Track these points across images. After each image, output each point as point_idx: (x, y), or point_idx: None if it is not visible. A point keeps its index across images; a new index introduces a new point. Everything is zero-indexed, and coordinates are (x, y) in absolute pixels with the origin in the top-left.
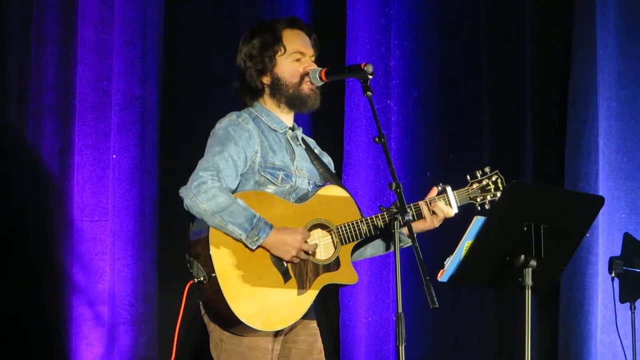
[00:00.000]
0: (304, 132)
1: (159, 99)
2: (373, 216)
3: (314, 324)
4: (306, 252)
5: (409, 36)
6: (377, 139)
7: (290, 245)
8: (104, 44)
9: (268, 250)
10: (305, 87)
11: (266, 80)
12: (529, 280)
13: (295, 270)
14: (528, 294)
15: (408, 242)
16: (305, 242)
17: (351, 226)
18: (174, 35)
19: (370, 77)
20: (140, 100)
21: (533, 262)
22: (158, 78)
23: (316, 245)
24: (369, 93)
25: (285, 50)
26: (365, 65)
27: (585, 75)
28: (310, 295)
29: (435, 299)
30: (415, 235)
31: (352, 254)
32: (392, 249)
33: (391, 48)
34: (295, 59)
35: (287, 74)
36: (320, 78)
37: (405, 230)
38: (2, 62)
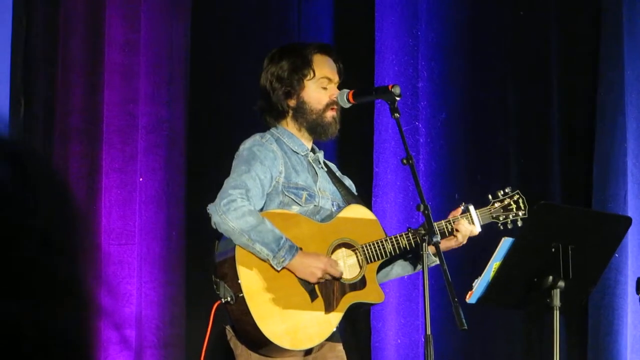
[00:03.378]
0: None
1: (186, 122)
2: (397, 235)
3: (340, 347)
4: (331, 276)
5: (437, 57)
6: (405, 161)
7: (316, 267)
8: (130, 68)
9: (293, 273)
10: (329, 115)
11: (292, 103)
12: (557, 301)
13: (322, 289)
14: (556, 315)
15: (435, 261)
16: (331, 266)
17: (376, 245)
18: (201, 59)
19: (397, 98)
20: (167, 123)
21: (561, 283)
22: (185, 101)
23: (341, 271)
24: (397, 115)
25: (314, 74)
26: (392, 86)
27: (612, 96)
28: (338, 314)
29: (464, 320)
30: (443, 256)
31: (377, 274)
32: (418, 269)
33: (419, 69)
34: (323, 86)
35: (313, 99)
36: (348, 100)
37: (432, 250)
38: (29, 85)
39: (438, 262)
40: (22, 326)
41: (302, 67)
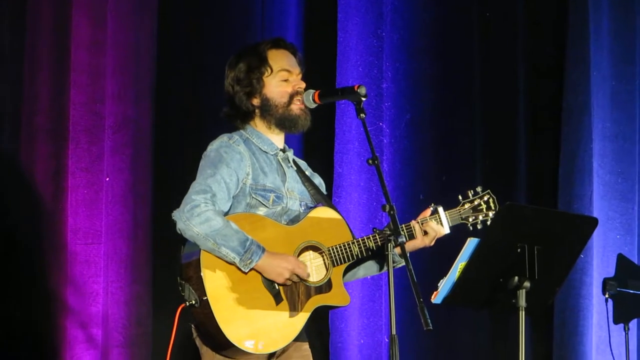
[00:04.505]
0: (295, 154)
1: (152, 121)
2: (364, 237)
3: (306, 346)
4: (298, 276)
5: (401, 58)
6: (370, 161)
7: (283, 268)
8: (97, 68)
9: (260, 273)
10: (295, 107)
11: (255, 102)
12: (522, 302)
13: (287, 292)
14: (522, 315)
15: (401, 262)
16: (299, 267)
17: (343, 248)
18: (167, 59)
19: (363, 99)
20: (134, 123)
21: (527, 284)
22: (151, 101)
23: (308, 272)
24: (363, 115)
25: (271, 70)
26: (358, 87)
27: (579, 97)
28: (302, 317)
29: (429, 320)
30: (408, 256)
31: (344, 275)
32: (384, 269)
33: (383, 70)
34: (283, 79)
35: (275, 94)
36: (314, 100)
37: (398, 250)
38: None
39: (404, 263)
40: None
41: (258, 66)
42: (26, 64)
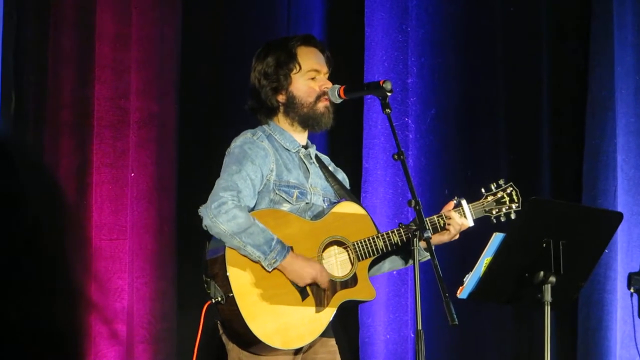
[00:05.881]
0: (322, 149)
1: (177, 117)
2: (389, 232)
3: (332, 342)
4: (319, 284)
5: (426, 53)
6: (396, 156)
7: (306, 272)
8: (121, 62)
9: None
10: (321, 106)
11: (281, 98)
12: (548, 297)
13: (313, 287)
14: (547, 310)
15: (426, 256)
16: (322, 275)
17: (367, 242)
18: (192, 54)
19: (389, 94)
20: (158, 118)
21: (552, 279)
22: (176, 96)
23: (329, 282)
24: (388, 110)
25: (300, 68)
26: (384, 82)
27: (603, 91)
28: (329, 312)
29: (455, 315)
30: (434, 251)
31: (369, 269)
32: (410, 263)
33: (409, 65)
34: (311, 78)
35: (302, 92)
36: (339, 95)
37: (423, 245)
38: (20, 80)
39: (429, 257)
40: (14, 321)
41: (287, 62)
42: (50, 59)
